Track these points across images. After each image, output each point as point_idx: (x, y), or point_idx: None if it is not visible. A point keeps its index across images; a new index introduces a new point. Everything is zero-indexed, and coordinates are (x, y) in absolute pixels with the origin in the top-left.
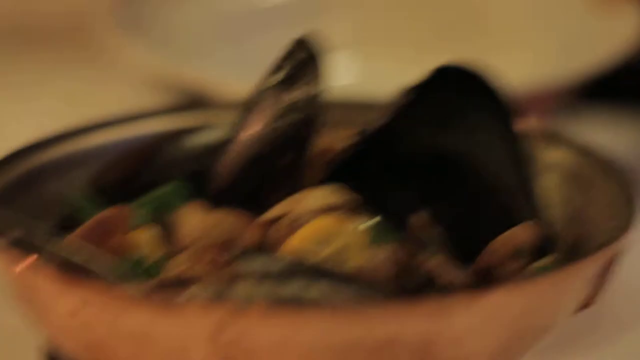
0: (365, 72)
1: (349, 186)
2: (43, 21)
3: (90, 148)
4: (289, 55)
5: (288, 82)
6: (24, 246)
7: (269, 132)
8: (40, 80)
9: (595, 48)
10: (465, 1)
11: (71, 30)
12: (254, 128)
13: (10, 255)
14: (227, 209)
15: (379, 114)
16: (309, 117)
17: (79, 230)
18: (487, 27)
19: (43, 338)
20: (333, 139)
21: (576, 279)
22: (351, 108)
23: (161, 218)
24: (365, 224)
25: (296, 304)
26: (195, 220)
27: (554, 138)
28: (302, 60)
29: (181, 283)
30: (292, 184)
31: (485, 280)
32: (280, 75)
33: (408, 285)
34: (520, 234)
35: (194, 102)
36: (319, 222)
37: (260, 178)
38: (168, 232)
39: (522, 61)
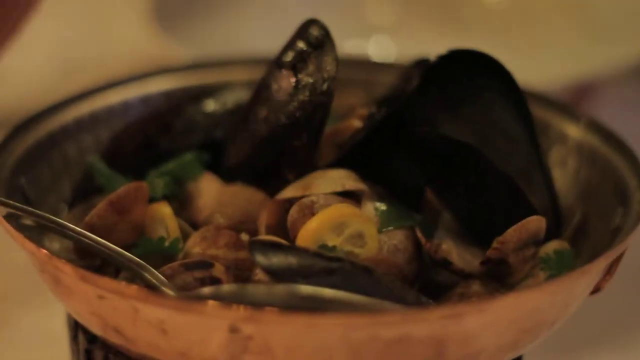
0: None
1: (360, 167)
2: None
3: (112, 105)
4: (302, 36)
5: (303, 62)
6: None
7: (285, 112)
8: None
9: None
10: None
11: None
12: (269, 106)
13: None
14: (241, 184)
15: (391, 89)
16: (324, 99)
17: (100, 205)
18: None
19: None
20: (343, 121)
21: (587, 278)
22: (365, 67)
23: (178, 188)
24: (376, 209)
25: (310, 308)
26: (212, 193)
27: (567, 112)
28: (316, 41)
29: (201, 265)
30: (306, 164)
31: (498, 268)
32: (295, 54)
33: (423, 271)
34: (532, 225)
35: (211, 59)
36: (334, 210)
37: (275, 156)
38: (184, 203)
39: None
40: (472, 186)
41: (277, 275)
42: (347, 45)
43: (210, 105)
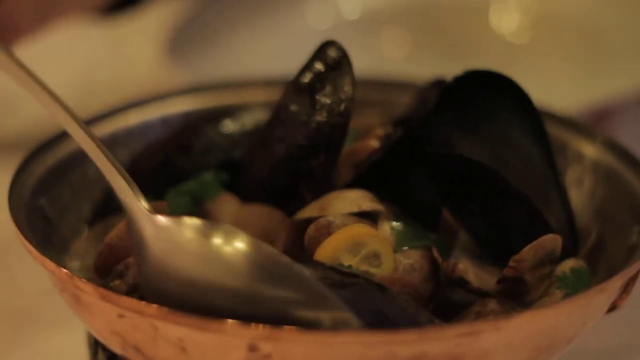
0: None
1: (377, 187)
2: None
3: (131, 126)
4: (320, 57)
5: (320, 84)
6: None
7: (303, 133)
8: None
9: None
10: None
11: None
12: (287, 127)
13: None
14: (260, 204)
15: (408, 109)
16: (341, 120)
17: (121, 225)
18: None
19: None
20: (360, 141)
21: (603, 296)
22: (382, 87)
23: (197, 207)
24: (392, 229)
25: (327, 329)
26: (230, 213)
27: (583, 131)
28: (333, 63)
29: None
30: (324, 184)
31: (514, 287)
32: (313, 76)
33: (439, 290)
34: (547, 243)
35: (228, 80)
36: (350, 229)
37: (293, 177)
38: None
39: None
40: (489, 206)
41: None
42: None
43: (229, 126)
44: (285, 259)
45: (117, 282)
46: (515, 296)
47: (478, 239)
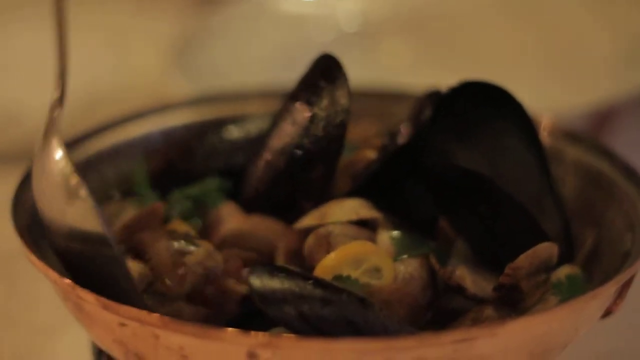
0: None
1: (375, 197)
2: None
3: (133, 138)
4: (316, 70)
5: (317, 96)
6: None
7: (300, 146)
8: None
9: None
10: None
11: None
12: (286, 139)
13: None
14: (261, 214)
15: (405, 120)
16: (338, 132)
17: (117, 230)
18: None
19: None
20: (358, 152)
21: (596, 302)
22: (379, 98)
23: (199, 213)
24: (392, 238)
25: (325, 336)
26: (232, 222)
27: (578, 140)
28: (330, 76)
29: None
30: (322, 195)
31: (510, 294)
32: (310, 88)
33: (437, 298)
34: (543, 251)
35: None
36: (352, 247)
37: (292, 188)
38: (204, 229)
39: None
40: (485, 215)
41: (265, 299)
42: None
43: (233, 133)
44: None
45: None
46: (511, 303)
47: (475, 247)
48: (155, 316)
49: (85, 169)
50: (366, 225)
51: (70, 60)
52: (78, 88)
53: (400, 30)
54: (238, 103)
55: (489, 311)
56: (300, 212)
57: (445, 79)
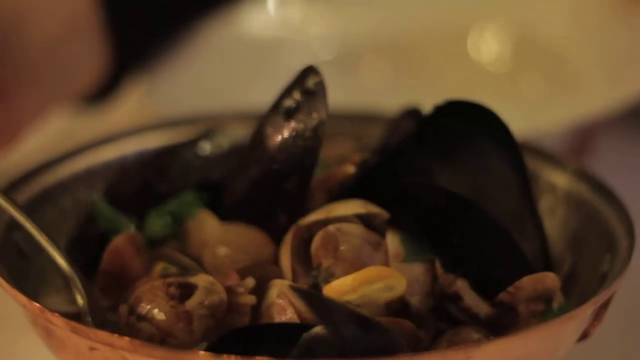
0: None
1: None
2: None
3: (108, 160)
4: (298, 83)
5: (296, 109)
6: None
7: (276, 157)
8: None
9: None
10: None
11: None
12: (264, 150)
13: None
14: (241, 223)
15: (382, 138)
16: (312, 144)
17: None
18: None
19: None
20: (335, 167)
21: (574, 322)
22: (356, 120)
23: (178, 227)
24: (402, 241)
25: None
26: (213, 230)
27: (554, 160)
28: (309, 89)
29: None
30: (297, 207)
31: (505, 315)
32: (289, 101)
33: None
34: (549, 280)
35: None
36: (367, 272)
37: (269, 198)
38: (184, 240)
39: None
40: (466, 237)
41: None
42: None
43: (206, 149)
44: None
45: (122, 306)
46: (503, 326)
47: (457, 270)
48: (125, 340)
49: (56, 193)
50: (371, 228)
51: None
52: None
53: (379, 50)
54: (214, 123)
55: (465, 334)
56: (277, 224)
57: (426, 98)
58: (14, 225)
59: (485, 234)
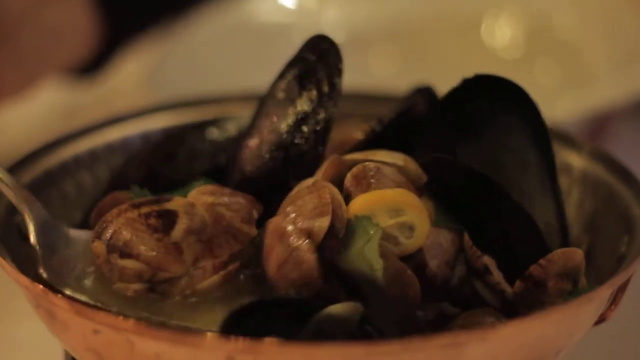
0: None
1: None
2: None
3: (112, 142)
4: (306, 47)
5: (310, 71)
6: None
7: (293, 125)
8: None
9: None
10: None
11: None
12: (275, 118)
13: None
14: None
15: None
16: (331, 107)
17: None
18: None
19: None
20: (347, 132)
21: (591, 305)
22: (363, 100)
23: None
24: (434, 206)
25: (308, 341)
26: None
27: (570, 143)
28: (322, 50)
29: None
30: (311, 171)
31: (534, 290)
32: (301, 63)
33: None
34: (578, 256)
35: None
36: (395, 192)
37: (284, 163)
38: None
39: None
40: (484, 215)
41: None
42: None
43: (213, 133)
44: None
45: (97, 243)
46: (527, 306)
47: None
48: (130, 322)
49: (58, 176)
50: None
51: None
52: (57, 101)
53: (389, 35)
54: (219, 106)
55: (477, 318)
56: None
57: (436, 83)
58: (14, 208)
59: (504, 212)
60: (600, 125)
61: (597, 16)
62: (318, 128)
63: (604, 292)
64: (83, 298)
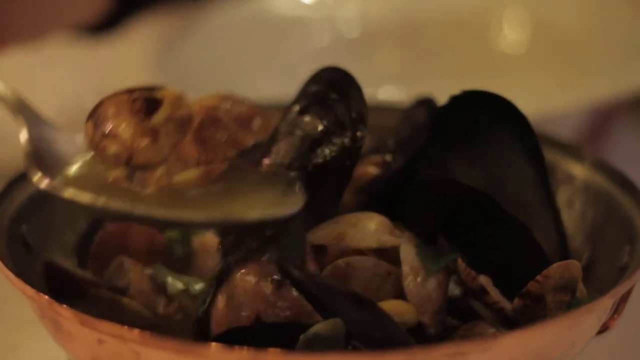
0: None
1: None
2: None
3: None
4: (324, 82)
5: (329, 109)
6: None
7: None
8: None
9: None
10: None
11: None
12: (291, 154)
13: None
14: None
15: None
16: (356, 145)
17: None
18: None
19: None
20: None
21: (594, 314)
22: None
23: (185, 244)
24: (418, 253)
25: (311, 350)
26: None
27: (572, 151)
28: (342, 87)
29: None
30: (330, 209)
31: (533, 306)
32: (320, 100)
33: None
34: (574, 268)
35: None
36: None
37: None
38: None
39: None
40: (483, 232)
41: None
42: None
43: None
44: None
45: (88, 122)
46: (528, 321)
47: (473, 264)
48: (135, 332)
49: None
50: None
51: None
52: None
53: (398, 34)
54: None
55: (479, 329)
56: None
57: (442, 83)
58: (20, 217)
59: (502, 228)
60: (600, 123)
61: (601, 14)
62: (340, 167)
63: (606, 303)
64: (69, 190)
